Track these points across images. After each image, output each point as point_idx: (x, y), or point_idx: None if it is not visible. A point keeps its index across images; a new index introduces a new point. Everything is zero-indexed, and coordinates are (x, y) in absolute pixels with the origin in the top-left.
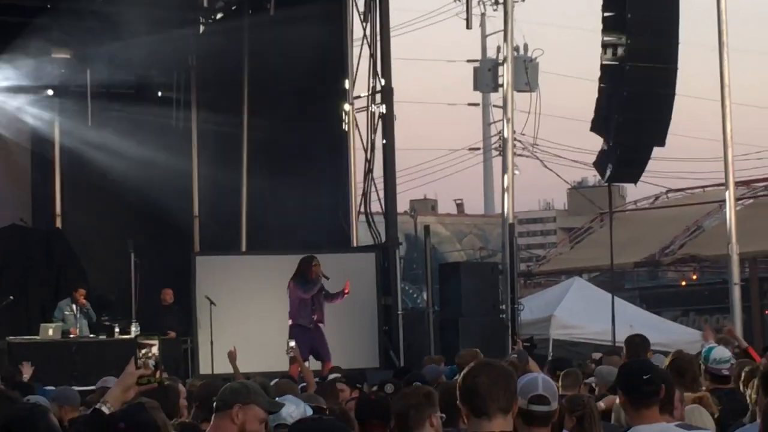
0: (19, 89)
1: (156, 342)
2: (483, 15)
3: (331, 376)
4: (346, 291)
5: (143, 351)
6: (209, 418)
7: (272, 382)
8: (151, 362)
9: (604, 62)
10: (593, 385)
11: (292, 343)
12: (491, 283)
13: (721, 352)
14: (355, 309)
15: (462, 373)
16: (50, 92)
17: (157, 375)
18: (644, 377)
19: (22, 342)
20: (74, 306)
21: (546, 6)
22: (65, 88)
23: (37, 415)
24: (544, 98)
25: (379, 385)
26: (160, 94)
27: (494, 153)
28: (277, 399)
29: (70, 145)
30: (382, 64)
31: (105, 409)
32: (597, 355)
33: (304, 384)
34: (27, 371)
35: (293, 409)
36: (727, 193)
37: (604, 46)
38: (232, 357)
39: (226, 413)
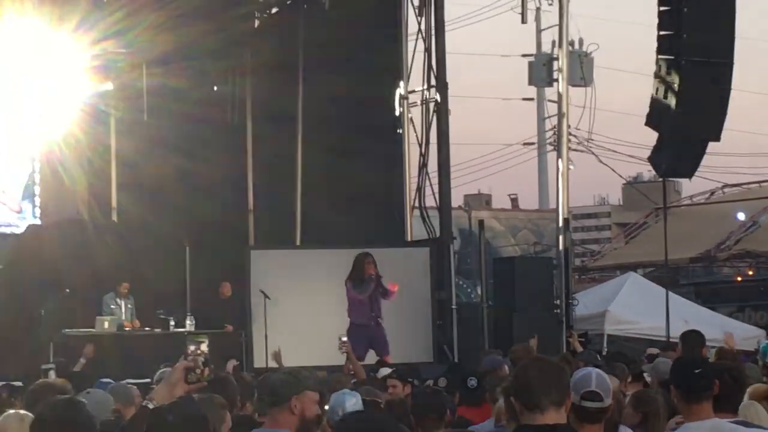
0: (77, 84)
1: (206, 340)
2: (538, 9)
3: (383, 371)
4: (392, 291)
5: (192, 348)
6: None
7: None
8: (201, 359)
9: (660, 56)
10: (647, 378)
11: (344, 338)
12: (546, 278)
13: None
14: (410, 303)
15: (515, 369)
16: (109, 86)
17: (206, 373)
18: (695, 371)
19: (78, 335)
20: (118, 299)
21: (601, 0)
22: (122, 83)
23: (73, 408)
24: (599, 93)
25: (433, 380)
26: (215, 88)
27: (549, 148)
28: (335, 393)
29: (127, 139)
30: (437, 59)
31: (150, 406)
32: (654, 350)
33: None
34: (89, 352)
35: (354, 402)
36: None
37: (660, 40)
38: (277, 357)
39: (284, 407)
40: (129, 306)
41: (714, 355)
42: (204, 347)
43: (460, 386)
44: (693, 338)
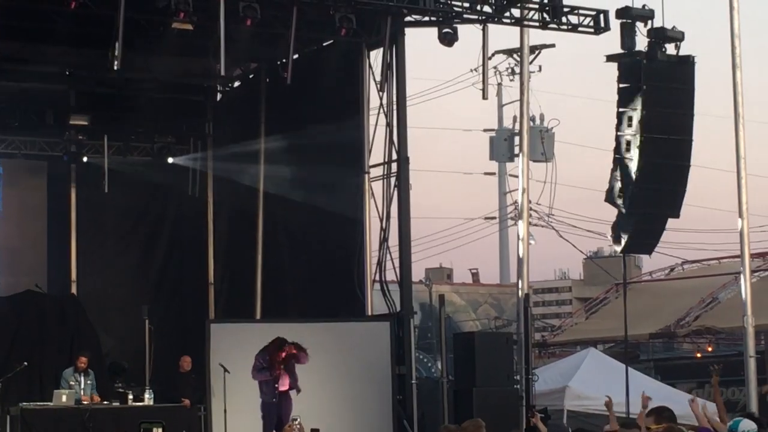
0: (36, 156)
1: (161, 427)
2: (499, 85)
3: None
4: (297, 354)
5: None
6: None
7: None
8: None
9: (619, 133)
10: None
11: (297, 420)
12: (506, 354)
13: (748, 425)
14: (370, 378)
15: None
16: (66, 158)
17: None
18: None
19: (35, 408)
20: (77, 375)
21: (562, 76)
22: (82, 155)
23: None
24: (559, 168)
25: None
26: (173, 161)
27: (510, 222)
28: None
29: (86, 211)
30: (399, 133)
31: None
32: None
33: None
34: None
35: None
36: (742, 265)
37: (619, 116)
38: None
39: None
40: (89, 381)
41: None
42: None
43: None
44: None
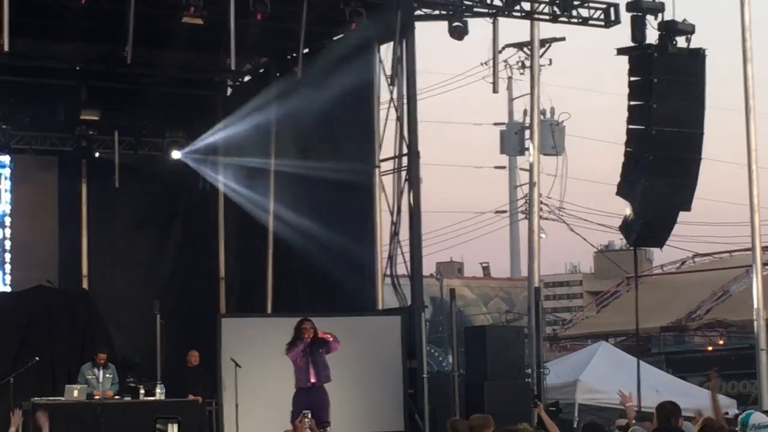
0: (47, 151)
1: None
2: (510, 78)
3: None
4: (329, 340)
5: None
6: None
7: None
8: None
9: (630, 126)
10: None
11: (308, 415)
12: (517, 347)
13: (760, 418)
14: (381, 372)
15: None
16: (78, 154)
17: None
18: None
19: (47, 403)
20: (95, 369)
21: (572, 70)
22: (93, 150)
23: None
24: (570, 162)
25: None
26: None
27: (520, 216)
28: None
29: (97, 206)
30: (409, 128)
31: None
32: (622, 422)
33: None
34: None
35: None
36: (753, 258)
37: (630, 110)
38: None
39: None
40: (108, 375)
41: (699, 426)
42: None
43: None
44: (669, 409)
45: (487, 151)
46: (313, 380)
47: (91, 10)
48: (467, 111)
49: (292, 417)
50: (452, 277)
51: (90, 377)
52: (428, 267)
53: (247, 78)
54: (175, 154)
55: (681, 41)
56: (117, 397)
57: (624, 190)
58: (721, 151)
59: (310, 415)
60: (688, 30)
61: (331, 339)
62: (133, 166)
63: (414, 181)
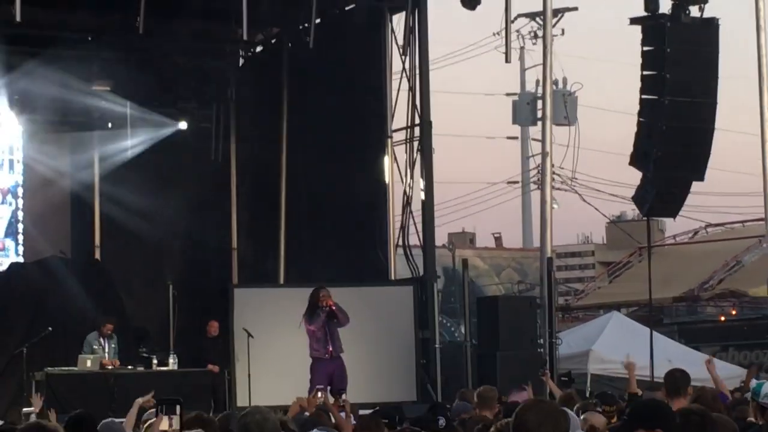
0: (60, 121)
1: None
2: (522, 49)
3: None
4: (338, 313)
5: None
6: None
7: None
8: None
9: (643, 96)
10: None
11: (320, 395)
12: (529, 317)
13: None
14: (393, 342)
15: (515, 411)
16: (90, 124)
17: None
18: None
19: (60, 373)
20: (101, 339)
21: (585, 40)
22: (105, 121)
23: None
24: (583, 132)
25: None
26: (190, 126)
27: (533, 186)
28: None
29: (109, 176)
30: (421, 98)
31: None
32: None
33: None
34: (37, 404)
35: None
36: (766, 228)
37: (643, 80)
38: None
39: None
40: (113, 345)
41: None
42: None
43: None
44: (678, 377)
45: (499, 122)
46: (331, 350)
47: None
48: (479, 81)
49: (310, 387)
50: (464, 247)
51: (96, 347)
52: (440, 237)
53: (259, 48)
54: (187, 125)
55: (694, 11)
56: (129, 367)
57: (637, 160)
58: (734, 121)
59: (324, 391)
60: None
61: (341, 316)
62: (145, 137)
63: (426, 151)
